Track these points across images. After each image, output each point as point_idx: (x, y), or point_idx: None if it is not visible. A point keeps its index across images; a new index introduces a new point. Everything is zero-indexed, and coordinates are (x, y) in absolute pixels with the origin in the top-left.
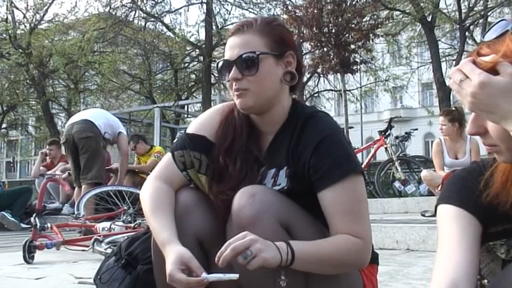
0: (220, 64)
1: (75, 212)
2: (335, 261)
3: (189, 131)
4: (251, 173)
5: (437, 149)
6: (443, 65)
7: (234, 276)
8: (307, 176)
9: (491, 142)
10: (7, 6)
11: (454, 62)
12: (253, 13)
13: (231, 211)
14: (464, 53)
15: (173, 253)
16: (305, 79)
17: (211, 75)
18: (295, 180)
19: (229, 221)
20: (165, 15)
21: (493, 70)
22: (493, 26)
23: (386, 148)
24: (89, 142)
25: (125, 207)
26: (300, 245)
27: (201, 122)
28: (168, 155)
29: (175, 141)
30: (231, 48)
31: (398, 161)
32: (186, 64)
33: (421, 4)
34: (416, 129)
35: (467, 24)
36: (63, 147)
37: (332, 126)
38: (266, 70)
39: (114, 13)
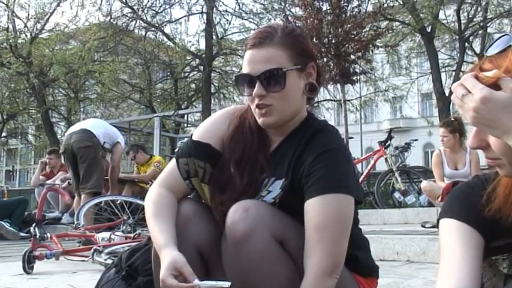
0: (239, 78)
1: (75, 222)
2: None
3: (194, 137)
4: (255, 184)
5: (437, 160)
6: (443, 76)
7: (226, 283)
8: (302, 187)
9: (494, 156)
10: (8, 15)
11: (453, 73)
12: (254, 23)
13: (225, 226)
14: (464, 63)
15: (167, 258)
16: None
17: (211, 85)
18: (289, 192)
19: (224, 236)
20: (165, 25)
21: (495, 85)
22: (496, 40)
23: (386, 158)
24: (87, 151)
25: (125, 217)
26: None
27: (207, 127)
28: (173, 161)
29: (180, 147)
30: (253, 63)
31: (398, 172)
32: (186, 74)
33: (421, 15)
34: (416, 139)
35: (467, 35)
36: (62, 157)
37: (338, 142)
38: (291, 85)
39: (114, 23)
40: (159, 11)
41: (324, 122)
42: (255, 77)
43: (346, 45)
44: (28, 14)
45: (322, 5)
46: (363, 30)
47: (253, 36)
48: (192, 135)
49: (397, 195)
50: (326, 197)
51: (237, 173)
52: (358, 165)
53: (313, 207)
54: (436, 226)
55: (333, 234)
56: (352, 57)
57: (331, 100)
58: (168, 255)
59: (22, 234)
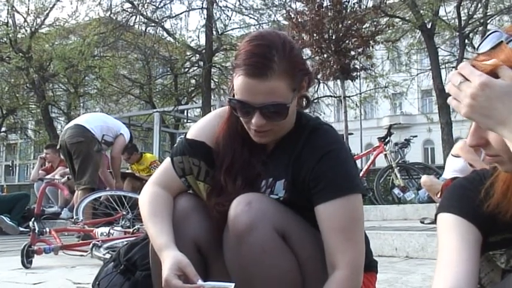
0: (234, 100)
1: (74, 217)
2: None
3: (188, 136)
4: (249, 186)
5: (467, 148)
6: (443, 72)
7: (230, 285)
8: (306, 189)
9: (494, 153)
10: (8, 10)
11: (453, 69)
12: (254, 19)
13: (228, 219)
14: (464, 60)
15: (170, 258)
16: None
17: (211, 81)
18: (293, 191)
19: (226, 229)
20: (165, 21)
21: (492, 74)
22: (486, 37)
23: (385, 155)
24: (80, 147)
25: (124, 212)
26: None
27: (200, 127)
28: (167, 160)
29: (175, 146)
30: (253, 93)
31: (398, 168)
32: (186, 69)
33: (421, 11)
34: (416, 136)
35: (467, 32)
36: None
37: (337, 140)
38: (290, 110)
39: (114, 18)
40: (159, 6)
41: (317, 120)
42: (256, 107)
43: (347, 41)
44: (28, 9)
45: (323, 0)
46: (363, 26)
47: (248, 61)
48: (186, 134)
49: (396, 191)
50: (341, 199)
51: (229, 180)
52: (358, 162)
53: (331, 211)
54: (435, 221)
55: (357, 232)
56: (353, 53)
57: (331, 96)
58: (171, 256)
59: (21, 228)
